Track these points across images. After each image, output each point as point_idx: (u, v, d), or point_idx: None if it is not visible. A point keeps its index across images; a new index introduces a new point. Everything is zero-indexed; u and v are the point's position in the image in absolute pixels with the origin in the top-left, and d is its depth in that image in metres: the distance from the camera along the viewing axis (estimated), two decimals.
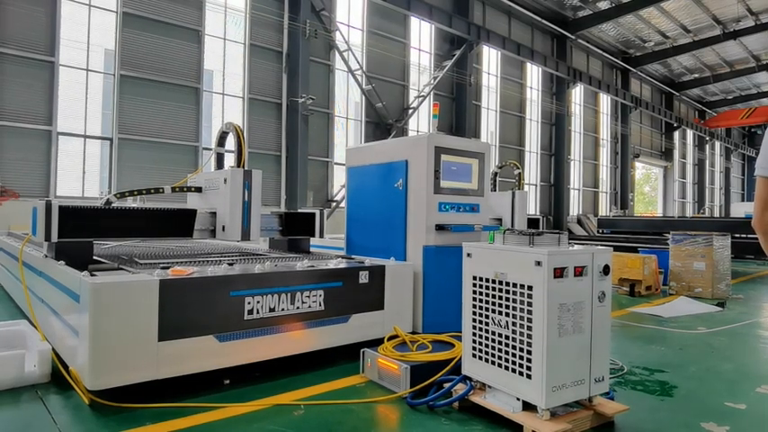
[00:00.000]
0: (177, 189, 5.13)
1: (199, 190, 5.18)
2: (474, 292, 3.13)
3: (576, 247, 2.97)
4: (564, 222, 24.13)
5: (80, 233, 4.13)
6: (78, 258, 4.06)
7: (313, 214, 5.63)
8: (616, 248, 10.59)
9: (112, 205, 4.67)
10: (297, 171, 16.37)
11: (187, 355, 3.26)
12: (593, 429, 2.87)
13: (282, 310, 3.71)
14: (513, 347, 2.86)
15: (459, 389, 3.18)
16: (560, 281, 2.73)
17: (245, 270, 3.67)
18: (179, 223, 4.65)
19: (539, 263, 2.72)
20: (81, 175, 13.38)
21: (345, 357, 4.02)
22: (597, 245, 10.55)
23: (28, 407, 3.10)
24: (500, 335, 2.95)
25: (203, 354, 3.34)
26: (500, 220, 7.62)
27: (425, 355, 3.62)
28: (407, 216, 4.87)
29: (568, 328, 2.77)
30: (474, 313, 3.13)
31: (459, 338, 3.58)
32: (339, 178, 17.62)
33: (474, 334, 3.13)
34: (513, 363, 2.86)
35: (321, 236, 5.68)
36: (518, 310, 2.84)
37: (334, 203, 17.65)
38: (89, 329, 2.93)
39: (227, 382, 3.55)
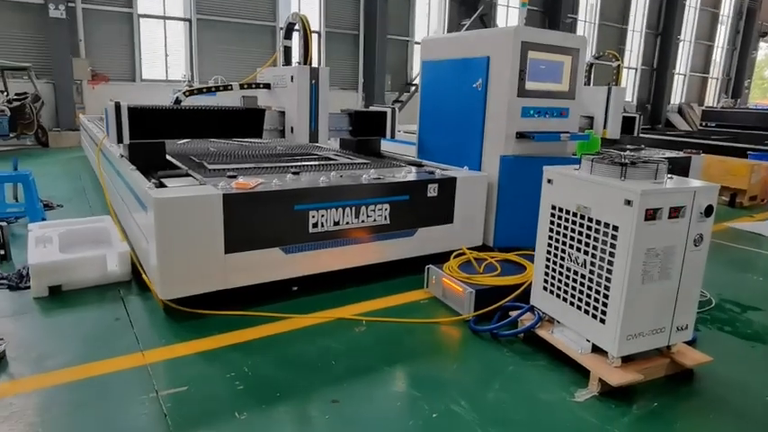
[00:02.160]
0: (245, 86, 4.97)
1: (267, 87, 4.98)
2: (551, 223, 2.85)
3: (674, 181, 2.56)
4: (663, 113, 22.00)
5: (151, 134, 4.15)
6: (151, 160, 4.14)
7: (384, 113, 5.33)
8: (719, 150, 9.46)
9: (182, 104, 4.64)
10: (375, 51, 15.68)
11: (254, 266, 3.31)
12: (667, 377, 2.68)
13: (347, 223, 3.63)
14: (589, 288, 2.62)
15: (527, 319, 3.04)
16: (652, 224, 2.38)
17: (309, 183, 3.56)
18: (248, 123, 4.56)
19: (629, 202, 2.37)
20: (164, 57, 13.53)
21: (411, 270, 3.96)
22: (695, 143, 9.46)
23: (110, 307, 3.33)
24: (576, 272, 2.70)
25: (269, 265, 3.38)
26: (591, 118, 6.92)
27: (492, 278, 3.47)
28: (485, 121, 4.46)
29: (654, 275, 2.47)
30: (549, 245, 2.88)
31: (533, 258, 3.40)
32: (419, 59, 16.74)
33: (547, 267, 2.91)
34: (587, 304, 2.64)
35: (392, 136, 5.42)
36: (599, 250, 2.55)
37: (413, 87, 16.97)
38: (156, 243, 3.01)
39: (296, 288, 3.63)
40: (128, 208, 4.16)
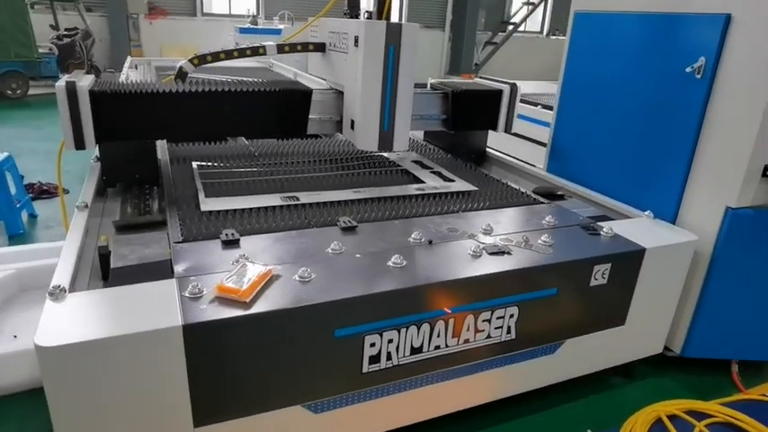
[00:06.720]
0: (287, 49, 3.20)
1: (320, 48, 3.19)
2: None
3: None
4: None
5: (130, 131, 2.56)
6: (132, 171, 2.64)
7: (498, 92, 3.39)
8: None
9: (188, 77, 2.99)
10: None
11: None
12: None
13: (437, 348, 1.90)
14: None
15: None
16: None
17: (366, 286, 1.79)
18: (283, 113, 2.85)
19: None
20: None
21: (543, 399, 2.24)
22: None
23: None
24: None
25: None
26: None
27: None
28: (701, 135, 2.45)
29: None
30: None
31: None
32: (572, 8, 14.07)
33: None
34: None
35: (507, 129, 3.50)
36: None
37: (510, 27, 14.39)
38: (52, 416, 1.45)
39: None
40: None
